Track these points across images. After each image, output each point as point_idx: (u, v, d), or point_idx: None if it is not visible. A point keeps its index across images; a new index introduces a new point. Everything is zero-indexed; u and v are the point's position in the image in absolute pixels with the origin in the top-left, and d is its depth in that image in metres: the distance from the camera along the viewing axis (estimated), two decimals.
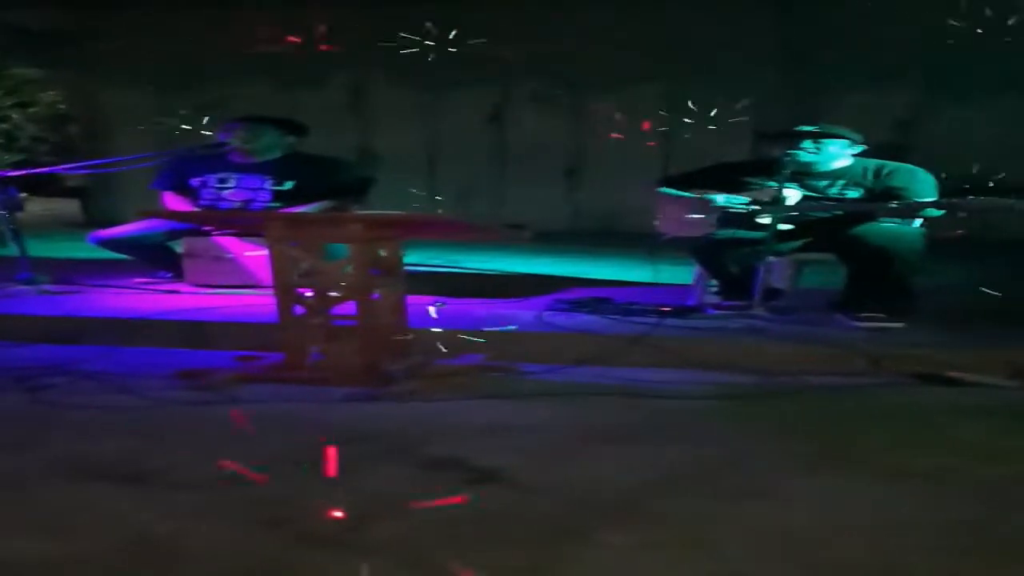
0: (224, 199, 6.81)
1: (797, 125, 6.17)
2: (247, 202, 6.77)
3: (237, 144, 6.82)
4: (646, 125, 12.26)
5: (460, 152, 13.16)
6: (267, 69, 12.75)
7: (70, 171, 9.79)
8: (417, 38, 11.58)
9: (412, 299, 5.03)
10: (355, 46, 12.26)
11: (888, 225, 5.77)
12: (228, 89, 12.86)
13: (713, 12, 11.84)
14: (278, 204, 6.71)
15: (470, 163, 13.17)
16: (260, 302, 5.59)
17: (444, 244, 8.92)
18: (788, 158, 5.78)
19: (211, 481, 3.17)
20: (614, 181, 12.20)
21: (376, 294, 4.76)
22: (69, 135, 14.92)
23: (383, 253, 4.77)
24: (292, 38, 11.50)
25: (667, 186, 6.31)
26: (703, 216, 5.97)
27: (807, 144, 5.92)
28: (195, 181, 6.88)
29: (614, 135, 12.28)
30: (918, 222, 5.85)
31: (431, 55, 11.62)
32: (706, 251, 5.92)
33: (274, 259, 4.73)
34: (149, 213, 6.59)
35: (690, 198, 6.09)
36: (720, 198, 5.95)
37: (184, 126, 12.76)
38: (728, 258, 5.82)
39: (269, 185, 6.79)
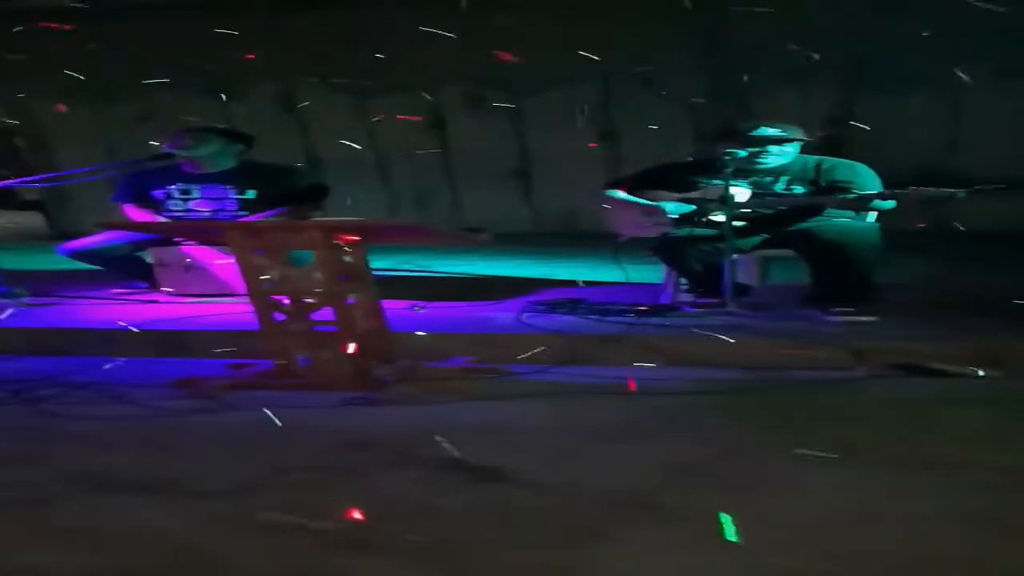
0: (192, 210, 6.84)
1: (735, 124, 6.25)
2: (215, 211, 6.80)
3: (186, 154, 6.83)
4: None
5: (401, 158, 13.10)
6: (200, 79, 12.61)
7: (24, 185, 9.68)
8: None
9: (387, 304, 5.07)
10: (285, 53, 12.13)
11: (842, 220, 5.88)
12: (162, 99, 12.78)
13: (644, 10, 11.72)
14: (244, 212, 6.75)
15: (413, 168, 13.11)
16: (239, 310, 5.61)
17: (406, 249, 8.95)
18: (729, 156, 5.74)
19: (232, 490, 3.21)
20: (565, 182, 12.20)
21: (350, 299, 4.80)
22: (16, 147, 14.76)
23: (348, 259, 4.81)
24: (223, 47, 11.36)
25: (615, 189, 6.39)
26: (656, 216, 6.07)
27: (752, 142, 5.99)
28: (158, 193, 6.89)
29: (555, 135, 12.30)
30: (872, 216, 5.97)
31: (362, 60, 11.60)
32: (667, 249, 6.00)
33: (242, 267, 4.77)
34: (110, 225, 6.60)
35: (640, 203, 6.17)
36: (670, 207, 6.03)
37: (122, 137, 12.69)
38: (689, 255, 5.90)
39: (233, 194, 6.83)
